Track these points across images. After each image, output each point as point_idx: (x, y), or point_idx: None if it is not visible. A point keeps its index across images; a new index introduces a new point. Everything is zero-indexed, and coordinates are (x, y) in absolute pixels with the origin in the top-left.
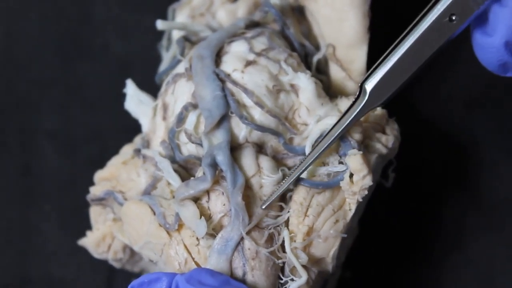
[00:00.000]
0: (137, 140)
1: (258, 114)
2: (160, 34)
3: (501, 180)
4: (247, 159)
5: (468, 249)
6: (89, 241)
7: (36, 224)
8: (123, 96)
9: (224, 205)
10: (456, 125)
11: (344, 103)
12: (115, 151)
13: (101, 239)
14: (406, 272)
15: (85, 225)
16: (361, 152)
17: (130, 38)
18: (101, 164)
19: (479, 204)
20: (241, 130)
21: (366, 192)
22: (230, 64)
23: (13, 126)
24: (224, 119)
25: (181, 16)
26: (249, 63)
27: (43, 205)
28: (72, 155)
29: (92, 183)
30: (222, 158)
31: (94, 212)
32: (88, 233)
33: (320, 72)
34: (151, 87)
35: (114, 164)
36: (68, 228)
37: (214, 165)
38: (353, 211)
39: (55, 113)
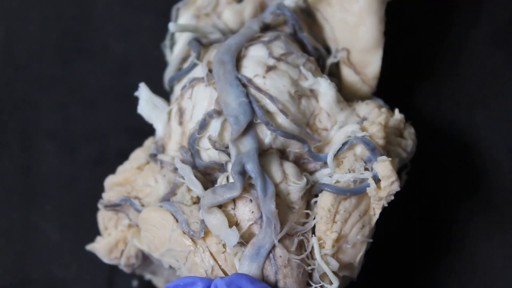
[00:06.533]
0: (149, 144)
1: (281, 120)
2: (160, 34)
3: (504, 180)
4: (273, 165)
5: (470, 249)
6: (100, 247)
7: (36, 224)
8: (123, 96)
9: (252, 212)
10: (458, 126)
11: (361, 108)
12: (115, 151)
13: (113, 244)
14: (407, 272)
15: (85, 225)
16: (390, 159)
17: (130, 38)
18: (101, 164)
19: (481, 204)
20: (265, 136)
21: (393, 198)
22: (250, 69)
23: (13, 126)
24: (250, 125)
25: (185, 15)
26: (269, 68)
27: (43, 205)
28: (72, 155)
29: (92, 183)
30: (252, 166)
31: (103, 217)
32: (98, 238)
33: (330, 75)
34: (151, 87)
35: (127, 169)
36: (68, 228)
37: (243, 173)
38: (377, 216)
39: (55, 112)
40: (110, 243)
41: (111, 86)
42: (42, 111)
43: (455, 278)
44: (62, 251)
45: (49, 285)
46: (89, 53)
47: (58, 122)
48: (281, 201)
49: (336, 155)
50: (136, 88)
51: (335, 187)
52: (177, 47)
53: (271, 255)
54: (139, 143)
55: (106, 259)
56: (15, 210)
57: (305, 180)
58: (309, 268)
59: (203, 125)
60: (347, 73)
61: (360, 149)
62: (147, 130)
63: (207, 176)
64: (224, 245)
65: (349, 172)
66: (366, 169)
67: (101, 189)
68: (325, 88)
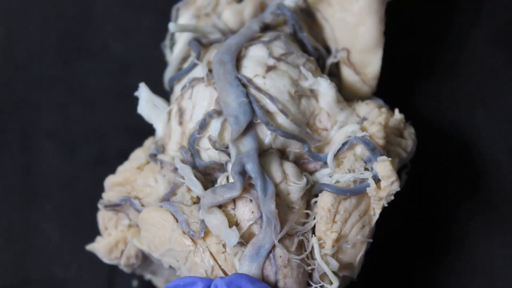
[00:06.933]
0: (149, 144)
1: (281, 120)
2: (160, 34)
3: (504, 180)
4: (273, 165)
5: (470, 249)
6: (100, 247)
7: (36, 224)
8: (123, 96)
9: (252, 212)
10: (458, 126)
11: (361, 108)
12: (115, 151)
13: (113, 244)
14: (407, 272)
15: (85, 225)
16: (390, 159)
17: (130, 38)
18: (101, 164)
19: (481, 204)
20: (265, 136)
21: (393, 198)
22: (250, 69)
23: (13, 126)
24: (250, 125)
25: (185, 15)
26: (269, 68)
27: (43, 205)
28: (72, 155)
29: (92, 183)
30: (252, 166)
31: (103, 217)
32: (98, 238)
33: (330, 75)
34: (151, 87)
35: (127, 169)
36: (68, 228)
37: (243, 173)
38: (377, 216)
39: (55, 113)
40: (110, 243)
41: (111, 86)
42: (42, 111)
43: (455, 278)
44: (62, 251)
45: (49, 285)
46: (89, 53)
47: (58, 122)
48: (281, 201)
49: (336, 155)
50: (136, 88)
51: (335, 187)
52: (177, 47)
53: (271, 255)
54: (139, 143)
55: (106, 259)
56: (15, 210)
57: (305, 180)
58: (309, 268)
59: (203, 125)
60: (347, 73)
61: (360, 149)
62: (147, 130)
63: (207, 176)
64: (224, 245)
65: (349, 172)
66: (366, 169)
67: (101, 189)
68: (325, 88)
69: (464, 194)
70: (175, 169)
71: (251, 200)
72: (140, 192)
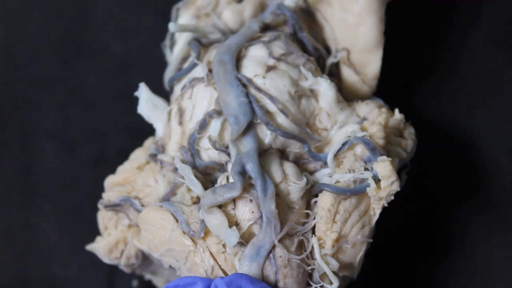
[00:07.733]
0: (149, 144)
1: (281, 120)
2: (160, 34)
3: (504, 180)
4: (273, 165)
5: (470, 249)
6: (100, 247)
7: (36, 224)
8: (123, 96)
9: (252, 212)
10: (458, 126)
11: (361, 108)
12: (115, 151)
13: (113, 245)
14: (407, 272)
15: (85, 225)
16: (390, 159)
17: (130, 38)
18: (101, 164)
19: (481, 204)
20: (265, 136)
21: (393, 198)
22: (250, 69)
23: (13, 126)
24: (250, 125)
25: (185, 15)
26: (269, 68)
27: (43, 205)
28: (72, 155)
29: (92, 183)
30: (252, 166)
31: (103, 217)
32: (98, 238)
33: (330, 75)
34: (151, 87)
35: (127, 169)
36: (68, 228)
37: (243, 173)
38: (377, 216)
39: (55, 113)
40: (110, 243)
41: (111, 86)
42: (42, 111)
43: (455, 278)
44: (62, 251)
45: (49, 285)
46: (89, 53)
47: (58, 122)
48: (281, 201)
49: (336, 155)
50: (136, 88)
51: (335, 187)
52: (177, 47)
53: (271, 255)
54: (139, 143)
55: (106, 259)
56: (15, 210)
57: (305, 180)
58: (309, 268)
59: (203, 125)
60: (347, 73)
61: (360, 149)
62: (147, 130)
63: (207, 176)
64: (224, 245)
65: (349, 172)
66: (366, 169)
67: (101, 189)
68: (325, 88)
69: (464, 194)
70: (175, 169)
71: (251, 200)
72: (140, 192)
